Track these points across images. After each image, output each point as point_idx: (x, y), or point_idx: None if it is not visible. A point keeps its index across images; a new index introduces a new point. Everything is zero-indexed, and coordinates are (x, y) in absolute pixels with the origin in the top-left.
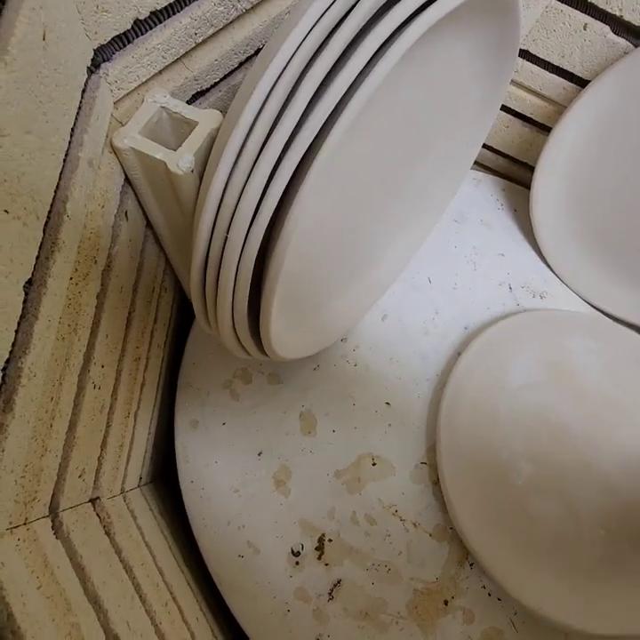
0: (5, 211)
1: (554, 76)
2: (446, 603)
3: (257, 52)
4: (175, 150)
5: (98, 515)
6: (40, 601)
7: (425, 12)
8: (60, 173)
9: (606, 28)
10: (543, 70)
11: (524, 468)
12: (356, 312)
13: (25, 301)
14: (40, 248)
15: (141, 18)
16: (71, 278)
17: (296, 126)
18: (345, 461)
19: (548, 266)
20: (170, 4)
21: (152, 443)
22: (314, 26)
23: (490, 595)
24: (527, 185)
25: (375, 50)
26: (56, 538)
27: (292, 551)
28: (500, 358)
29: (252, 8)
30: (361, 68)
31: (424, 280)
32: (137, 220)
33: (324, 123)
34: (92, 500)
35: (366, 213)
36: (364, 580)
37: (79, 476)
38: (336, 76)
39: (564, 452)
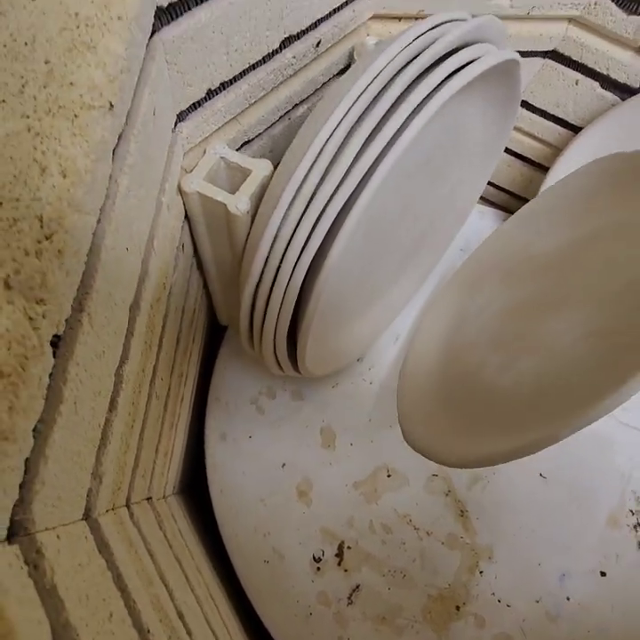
0: (126, 248)
1: (550, 122)
2: (458, 608)
3: (294, 107)
4: (231, 194)
5: (153, 512)
6: (133, 570)
7: (449, 82)
8: (154, 216)
9: (596, 84)
10: (541, 118)
11: (493, 360)
12: (372, 333)
13: (129, 320)
14: (138, 277)
15: (212, 88)
16: (151, 302)
17: (343, 177)
18: (362, 473)
19: None
20: (235, 76)
21: (183, 455)
22: (357, 98)
23: (499, 601)
24: (523, 197)
25: (407, 114)
26: (133, 525)
27: (314, 557)
28: (464, 299)
29: (294, 74)
30: (395, 129)
31: None
32: (188, 251)
33: (362, 177)
34: (148, 499)
35: (387, 244)
36: (381, 585)
37: (142, 476)
38: (375, 140)
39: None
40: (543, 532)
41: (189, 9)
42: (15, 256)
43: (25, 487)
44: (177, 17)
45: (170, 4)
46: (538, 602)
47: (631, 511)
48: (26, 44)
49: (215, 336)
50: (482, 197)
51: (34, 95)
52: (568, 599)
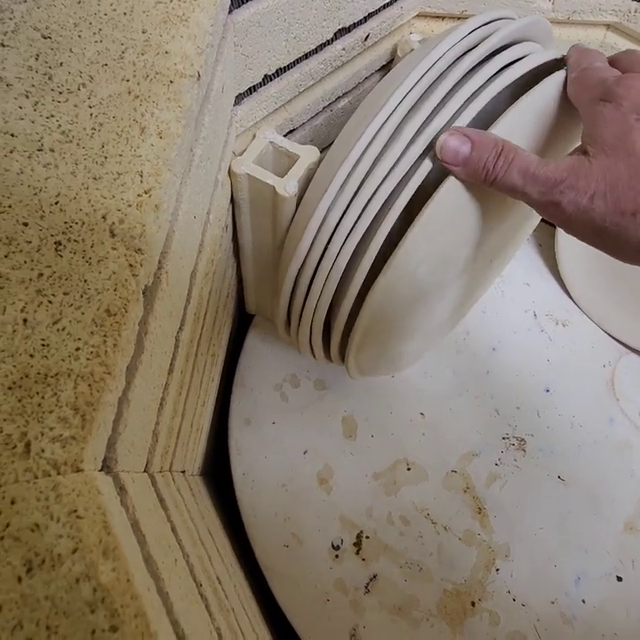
0: (194, 216)
1: None
2: (473, 604)
3: (337, 99)
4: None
5: (187, 483)
6: (184, 529)
7: (503, 74)
8: (212, 191)
9: None
10: None
11: None
12: (415, 355)
13: (188, 287)
14: (198, 247)
15: (269, 73)
16: (202, 275)
17: (394, 164)
18: (382, 465)
19: (571, 297)
20: (289, 63)
21: (207, 436)
22: (411, 88)
23: (514, 600)
24: (550, 223)
25: (460, 105)
26: (176, 490)
27: (333, 545)
28: None
29: (341, 66)
30: (447, 119)
31: None
32: (229, 234)
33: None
34: (183, 472)
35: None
36: (398, 577)
37: (182, 446)
38: (428, 126)
39: None
40: (560, 533)
41: None
42: (119, 206)
43: (113, 426)
44: (248, 0)
45: None
46: (553, 603)
47: None
48: (125, 14)
49: (241, 325)
50: None
51: (133, 61)
52: (583, 602)
